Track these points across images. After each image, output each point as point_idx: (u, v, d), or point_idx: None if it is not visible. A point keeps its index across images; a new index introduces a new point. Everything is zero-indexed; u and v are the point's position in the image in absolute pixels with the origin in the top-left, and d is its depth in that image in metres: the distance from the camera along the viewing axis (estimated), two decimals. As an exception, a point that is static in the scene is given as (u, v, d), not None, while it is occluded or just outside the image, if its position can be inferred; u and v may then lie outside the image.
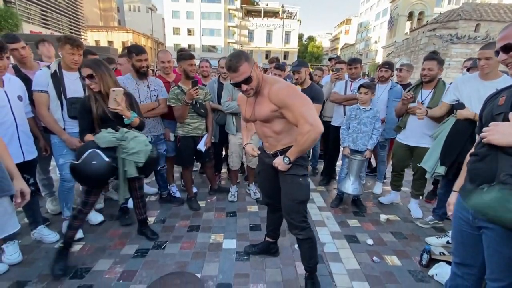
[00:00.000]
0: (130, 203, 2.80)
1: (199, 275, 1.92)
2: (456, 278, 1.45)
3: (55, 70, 2.16)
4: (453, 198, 1.40)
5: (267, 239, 2.15)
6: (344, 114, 3.22)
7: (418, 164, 2.76)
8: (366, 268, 2.04)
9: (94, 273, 1.94)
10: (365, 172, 3.29)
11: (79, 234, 2.31)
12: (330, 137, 3.47)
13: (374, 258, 2.15)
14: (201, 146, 2.81)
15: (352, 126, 2.84)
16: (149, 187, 3.31)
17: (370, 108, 2.78)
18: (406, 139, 2.81)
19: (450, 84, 2.57)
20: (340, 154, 3.27)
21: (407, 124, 2.78)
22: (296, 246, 1.89)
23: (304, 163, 1.71)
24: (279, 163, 1.62)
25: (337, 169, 3.82)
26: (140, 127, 2.13)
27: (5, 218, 1.33)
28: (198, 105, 2.71)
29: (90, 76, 1.89)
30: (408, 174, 3.10)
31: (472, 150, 1.30)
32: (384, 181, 3.71)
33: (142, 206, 2.33)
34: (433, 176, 2.51)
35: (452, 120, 2.34)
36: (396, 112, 2.89)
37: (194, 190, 3.17)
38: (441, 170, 2.38)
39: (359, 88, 2.80)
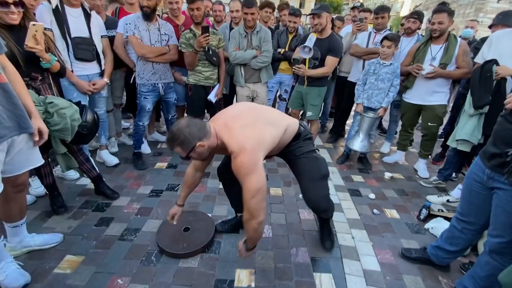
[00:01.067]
0: (143, 148, 2.92)
1: (210, 215, 2.07)
2: (454, 230, 1.54)
3: (57, 5, 2.04)
4: None
5: (238, 214, 1.92)
6: (363, 69, 3.07)
7: (429, 123, 2.73)
8: (366, 218, 2.17)
9: (114, 208, 2.12)
10: (376, 131, 3.26)
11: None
12: (345, 93, 3.35)
13: (374, 210, 2.26)
14: (212, 97, 2.77)
15: (369, 82, 2.73)
16: (160, 134, 3.39)
17: (391, 63, 2.63)
18: (413, 98, 2.74)
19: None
20: (352, 111, 3.22)
21: (414, 84, 2.68)
22: (300, 195, 2.00)
23: (310, 141, 1.64)
24: (241, 249, 1.43)
25: (347, 128, 3.80)
26: (60, 74, 1.91)
27: (29, 152, 1.40)
28: (211, 52, 2.59)
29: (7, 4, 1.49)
30: (417, 136, 3.07)
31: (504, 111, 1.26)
32: (394, 141, 3.70)
33: (91, 168, 2.10)
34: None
35: None
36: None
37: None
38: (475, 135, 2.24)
39: (382, 41, 2.61)
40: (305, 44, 2.55)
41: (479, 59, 2.22)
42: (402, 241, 1.94)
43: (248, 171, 1.23)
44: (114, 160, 2.72)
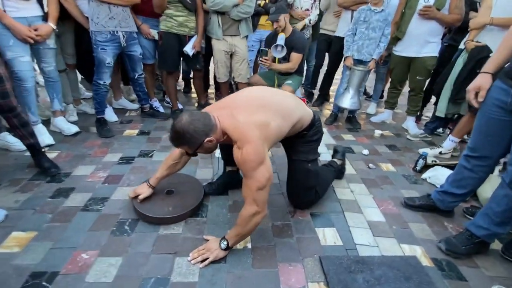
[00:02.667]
0: (108, 114, 2.52)
1: (192, 179, 1.81)
2: (463, 171, 1.42)
3: None
4: (485, 81, 1.23)
5: (227, 168, 1.70)
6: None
7: (418, 77, 2.63)
8: (362, 173, 2.03)
9: (75, 177, 1.77)
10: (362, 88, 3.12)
11: (49, 139, 2.06)
12: (332, 49, 3.12)
13: (370, 165, 2.13)
14: (188, 49, 2.41)
15: (359, 31, 2.51)
16: (127, 102, 2.97)
17: (382, 9, 2.42)
18: (405, 50, 2.61)
19: None
20: (340, 67, 3.02)
21: (405, 34, 2.53)
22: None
23: (315, 145, 1.52)
24: (214, 248, 1.22)
25: (332, 94, 3.61)
26: None
27: None
28: (183, -7, 2.20)
29: None
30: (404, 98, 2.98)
31: None
32: (380, 100, 3.61)
33: (26, 134, 1.67)
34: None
35: (463, 58, 2.20)
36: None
37: (180, 106, 2.89)
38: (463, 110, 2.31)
39: (372, -18, 2.37)
40: (277, 43, 2.38)
41: None
42: (402, 192, 1.83)
43: (255, 164, 1.12)
44: (72, 128, 2.30)
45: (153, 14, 2.35)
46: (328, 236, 1.41)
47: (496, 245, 1.39)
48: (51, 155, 1.95)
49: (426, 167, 2.11)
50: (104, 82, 2.23)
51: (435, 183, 1.90)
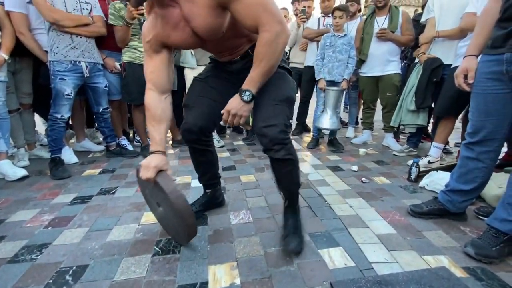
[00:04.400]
0: (66, 155, 2.22)
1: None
2: (468, 163, 1.29)
3: None
4: (472, 63, 1.20)
5: (207, 191, 1.48)
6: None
7: (387, 94, 2.73)
8: (357, 187, 1.84)
9: (9, 224, 1.38)
10: (340, 108, 3.13)
11: None
12: (303, 78, 3.20)
13: (363, 179, 1.96)
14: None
15: (327, 55, 2.61)
16: (92, 143, 2.69)
17: (345, 34, 2.58)
18: (370, 71, 2.77)
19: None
20: (314, 91, 3.07)
21: (368, 56, 2.72)
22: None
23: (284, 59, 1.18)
24: (236, 105, 0.99)
25: (309, 125, 3.62)
26: None
27: None
28: (147, 25, 2.18)
29: None
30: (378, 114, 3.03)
31: None
32: (356, 126, 3.64)
33: None
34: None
35: (417, 70, 2.35)
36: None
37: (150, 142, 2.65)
38: (421, 120, 2.40)
39: (333, 12, 2.56)
40: None
41: (426, 15, 2.30)
42: (404, 201, 1.63)
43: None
44: (18, 172, 1.93)
45: (117, 48, 2.28)
46: (335, 257, 1.13)
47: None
48: (-18, 202, 1.57)
49: (420, 176, 1.98)
50: (62, 116, 1.99)
51: (435, 189, 1.75)
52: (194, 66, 2.50)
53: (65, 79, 1.94)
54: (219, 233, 1.29)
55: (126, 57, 2.20)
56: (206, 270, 1.06)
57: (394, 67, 2.69)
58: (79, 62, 1.99)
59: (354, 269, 1.07)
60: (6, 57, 1.80)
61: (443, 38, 2.21)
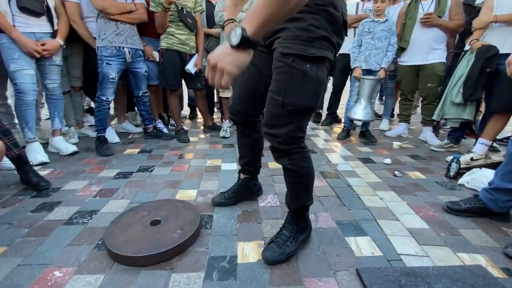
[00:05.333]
0: (109, 134, 2.41)
1: (195, 191, 1.59)
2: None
3: None
4: None
5: (242, 176, 1.45)
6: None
7: (429, 84, 2.53)
8: (389, 181, 1.78)
9: (64, 192, 1.57)
10: (376, 99, 3.00)
11: (43, 157, 1.91)
12: (337, 67, 3.09)
13: (396, 172, 1.89)
14: (190, 67, 2.38)
15: (365, 42, 2.49)
16: (132, 125, 2.89)
17: (386, 20, 2.43)
18: (411, 59, 2.58)
19: None
20: (347, 83, 2.96)
21: (410, 43, 2.52)
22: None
23: (328, 34, 0.88)
24: (218, 52, 0.68)
25: (340, 116, 3.51)
26: None
27: None
28: (185, 13, 2.25)
29: None
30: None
31: None
32: (391, 119, 3.46)
33: (10, 144, 1.49)
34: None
35: (467, 59, 2.11)
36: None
37: (185, 128, 2.78)
38: (467, 114, 2.17)
39: (373, -4, 2.42)
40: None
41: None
42: (440, 198, 1.55)
43: None
44: (70, 148, 2.16)
45: (156, 35, 2.38)
46: (362, 245, 1.13)
47: None
48: (43, 172, 1.79)
49: (459, 173, 1.85)
50: (107, 98, 2.17)
51: (477, 187, 1.63)
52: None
53: (111, 64, 2.10)
54: (248, 213, 1.35)
55: (163, 43, 2.30)
56: (235, 246, 1.12)
57: (438, 56, 2.48)
58: (123, 48, 2.13)
59: (382, 259, 1.06)
60: (62, 43, 1.98)
61: (501, 23, 1.97)
